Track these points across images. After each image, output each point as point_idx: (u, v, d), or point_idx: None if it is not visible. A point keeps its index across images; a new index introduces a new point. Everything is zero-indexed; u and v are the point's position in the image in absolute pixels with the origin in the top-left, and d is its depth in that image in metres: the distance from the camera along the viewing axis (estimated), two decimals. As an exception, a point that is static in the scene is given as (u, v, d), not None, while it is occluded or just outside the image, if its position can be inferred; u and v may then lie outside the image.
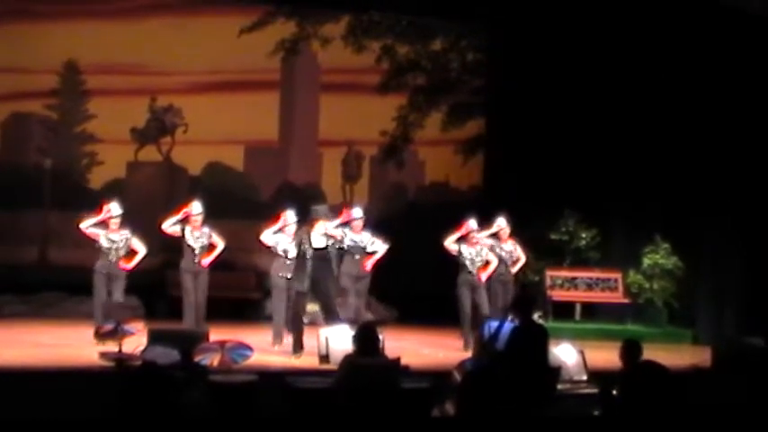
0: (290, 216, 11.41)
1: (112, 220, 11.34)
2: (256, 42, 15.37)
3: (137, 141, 15.31)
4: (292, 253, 11.06)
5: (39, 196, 14.68)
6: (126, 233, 11.41)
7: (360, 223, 11.92)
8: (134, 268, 11.52)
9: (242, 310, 14.17)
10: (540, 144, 14.83)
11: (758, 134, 13.12)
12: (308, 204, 11.40)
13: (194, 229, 11.38)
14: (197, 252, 11.32)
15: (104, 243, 11.28)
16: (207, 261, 11.42)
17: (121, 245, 11.36)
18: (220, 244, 11.51)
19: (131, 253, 11.47)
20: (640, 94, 14.05)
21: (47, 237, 14.77)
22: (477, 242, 12.04)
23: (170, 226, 11.29)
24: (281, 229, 11.37)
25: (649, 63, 13.99)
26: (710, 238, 13.57)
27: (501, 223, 12.42)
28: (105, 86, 15.03)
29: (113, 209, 11.35)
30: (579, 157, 14.48)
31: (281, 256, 11.33)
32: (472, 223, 12.15)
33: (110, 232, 11.32)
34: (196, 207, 11.43)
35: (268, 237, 11.39)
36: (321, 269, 10.75)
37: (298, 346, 10.67)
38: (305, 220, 11.06)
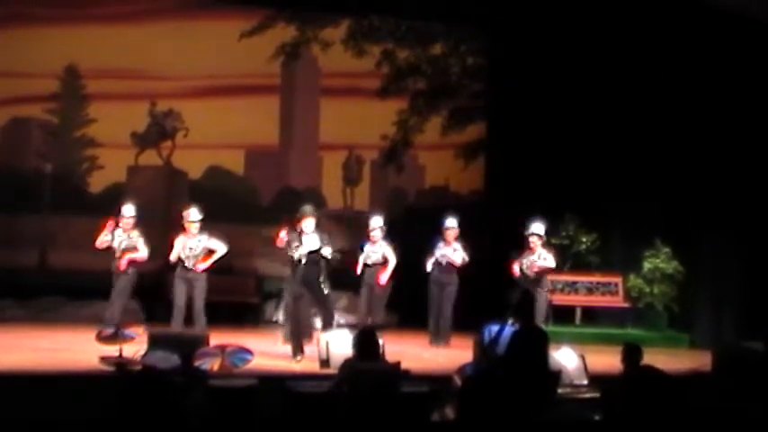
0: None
1: (193, 225, 11.36)
2: (257, 46, 15.38)
3: (137, 145, 15.31)
4: None
5: (39, 200, 14.67)
6: (204, 237, 11.40)
7: (378, 233, 12.14)
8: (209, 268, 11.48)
9: (241, 314, 14.18)
10: (540, 148, 14.84)
11: (758, 140, 13.12)
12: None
13: (124, 230, 11.58)
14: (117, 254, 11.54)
15: (183, 252, 11.31)
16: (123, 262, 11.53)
17: (198, 251, 11.36)
18: (143, 250, 11.59)
19: (209, 253, 11.46)
20: (641, 98, 14.06)
21: (47, 241, 14.76)
22: (534, 248, 12.23)
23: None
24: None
25: (650, 68, 14.00)
26: (710, 243, 13.57)
27: (450, 224, 12.59)
28: (105, 91, 15.04)
29: (192, 214, 11.36)
30: (580, 160, 14.49)
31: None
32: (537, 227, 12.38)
33: (188, 239, 11.34)
34: (128, 210, 11.64)
35: None
36: (311, 272, 10.71)
37: (298, 350, 10.66)
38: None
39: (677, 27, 13.63)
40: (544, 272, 12.32)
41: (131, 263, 11.60)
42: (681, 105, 13.69)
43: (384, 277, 12.23)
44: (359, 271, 12.32)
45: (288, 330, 11.21)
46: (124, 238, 11.60)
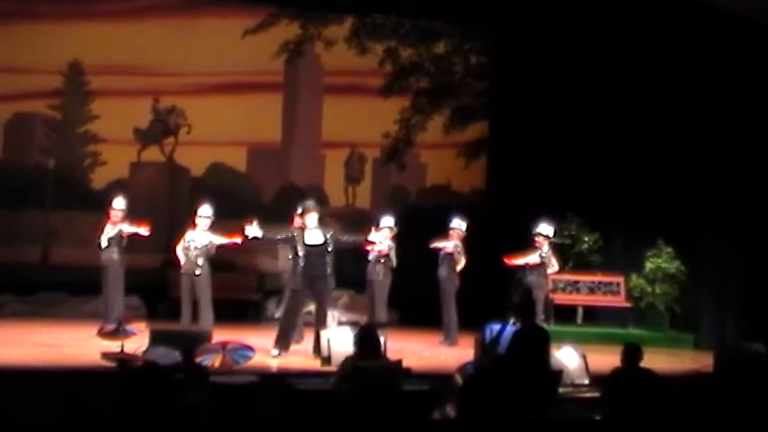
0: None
1: (201, 220, 11.44)
2: (260, 44, 15.38)
3: (140, 142, 15.31)
4: None
5: (41, 196, 14.68)
6: (209, 234, 11.43)
7: (386, 233, 12.16)
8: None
9: (243, 311, 14.19)
10: (542, 148, 14.84)
11: (760, 140, 13.11)
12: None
13: (114, 223, 11.71)
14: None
15: (185, 248, 11.41)
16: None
17: (200, 245, 11.36)
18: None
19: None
20: (644, 98, 14.05)
21: (49, 236, 14.76)
22: (538, 247, 12.42)
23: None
24: None
25: (653, 68, 13.99)
26: (713, 243, 13.55)
27: (456, 224, 12.61)
28: (109, 87, 15.03)
29: (203, 209, 11.46)
30: (582, 160, 14.48)
31: None
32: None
33: (193, 233, 11.42)
34: (118, 203, 11.78)
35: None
36: (317, 266, 10.65)
37: (281, 344, 10.58)
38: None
39: (679, 28, 13.62)
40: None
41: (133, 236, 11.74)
42: (684, 105, 13.68)
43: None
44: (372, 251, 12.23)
45: (280, 322, 11.10)
46: (113, 230, 11.70)
